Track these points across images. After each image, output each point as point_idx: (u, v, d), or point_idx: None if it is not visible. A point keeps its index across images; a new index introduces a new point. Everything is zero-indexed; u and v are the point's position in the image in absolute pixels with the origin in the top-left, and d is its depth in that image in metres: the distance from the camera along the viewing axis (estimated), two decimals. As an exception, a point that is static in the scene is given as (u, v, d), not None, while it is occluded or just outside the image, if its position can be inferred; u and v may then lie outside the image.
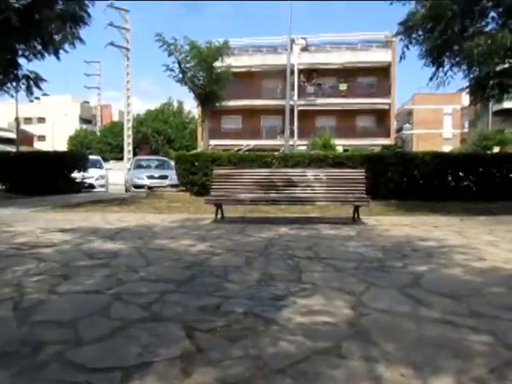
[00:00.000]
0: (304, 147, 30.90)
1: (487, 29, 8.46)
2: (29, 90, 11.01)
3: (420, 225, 6.44)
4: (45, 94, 15.57)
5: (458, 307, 2.66)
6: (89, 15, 10.23)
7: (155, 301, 2.75)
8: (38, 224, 6.30)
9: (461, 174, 11.03)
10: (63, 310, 2.62)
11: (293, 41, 30.83)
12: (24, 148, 28.96)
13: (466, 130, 46.50)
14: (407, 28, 8.63)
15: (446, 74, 9.14)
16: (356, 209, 6.82)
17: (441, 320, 2.44)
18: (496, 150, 26.73)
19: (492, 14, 8.60)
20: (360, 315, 2.51)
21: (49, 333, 2.25)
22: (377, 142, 32.26)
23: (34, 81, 10.91)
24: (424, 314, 2.55)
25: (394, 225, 6.43)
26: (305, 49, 36.88)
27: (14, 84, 10.95)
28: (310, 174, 7.24)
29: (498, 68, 9.02)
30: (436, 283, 3.20)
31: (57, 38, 10.27)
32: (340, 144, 31.19)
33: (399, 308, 2.64)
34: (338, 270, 3.60)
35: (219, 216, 6.96)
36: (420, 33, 8.70)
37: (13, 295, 2.87)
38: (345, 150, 22.88)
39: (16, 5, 9.79)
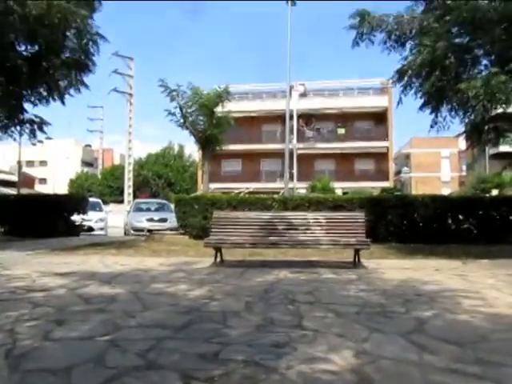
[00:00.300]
0: (303, 190, 31.04)
1: (479, 76, 8.71)
2: (32, 134, 11.19)
3: (422, 268, 6.37)
4: (48, 138, 15.79)
5: (463, 354, 2.59)
6: (94, 63, 10.55)
7: (151, 348, 2.67)
8: (35, 267, 6.22)
9: (460, 216, 11.02)
10: (57, 357, 2.54)
11: (292, 87, 31.70)
12: (25, 191, 29.10)
13: (463, 173, 46.90)
14: (403, 75, 8.89)
15: (444, 119, 9.33)
16: (357, 252, 6.76)
17: (446, 368, 2.36)
18: (495, 192, 26.84)
19: (484, 61, 8.90)
20: (363, 363, 2.44)
21: (41, 382, 2.17)
22: (376, 185, 32.47)
23: (39, 125, 11.11)
24: (429, 361, 2.47)
25: (395, 268, 6.35)
26: (303, 95, 37.84)
27: (19, 128, 11.14)
28: (310, 217, 7.23)
29: (493, 113, 9.22)
30: (440, 329, 3.13)
31: (62, 84, 10.55)
32: (339, 187, 31.38)
33: (403, 355, 2.56)
34: (340, 316, 3.52)
35: (218, 259, 6.89)
36: (414, 80, 8.96)
37: (5, 341, 2.80)
38: (344, 193, 22.96)
39: (25, 53, 10.13)
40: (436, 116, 9.25)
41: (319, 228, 6.94)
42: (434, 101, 8.87)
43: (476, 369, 2.35)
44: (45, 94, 10.62)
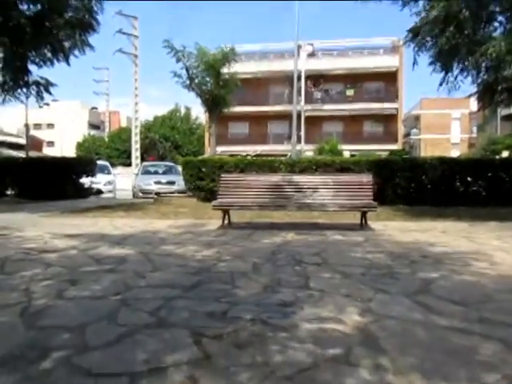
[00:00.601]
0: (311, 153, 30.87)
1: (495, 34, 8.42)
2: (39, 96, 11.11)
3: (428, 230, 6.39)
4: (54, 100, 15.74)
5: (468, 314, 2.63)
6: (98, 22, 10.33)
7: (162, 307, 2.74)
8: (46, 229, 6.33)
9: (469, 179, 10.94)
10: (71, 315, 2.62)
11: (299, 47, 30.89)
12: (33, 154, 29.23)
13: (474, 135, 46.22)
14: (416, 34, 8.61)
15: (455, 79, 9.10)
16: (364, 214, 6.79)
17: (451, 327, 2.41)
18: (505, 154, 26.50)
19: (500, 18, 8.58)
20: (369, 322, 2.49)
21: (56, 338, 2.25)
22: (384, 148, 32.16)
23: (45, 86, 11.01)
24: (434, 321, 2.51)
25: (402, 230, 6.38)
26: (312, 55, 36.95)
27: (25, 90, 11.05)
28: (318, 179, 7.23)
29: (506, 73, 8.97)
30: (446, 290, 3.17)
31: (66, 44, 10.37)
32: (347, 149, 31.14)
33: (409, 315, 2.60)
34: (346, 277, 3.57)
35: (226, 222, 6.95)
36: (428, 39, 8.68)
37: (20, 300, 2.88)
38: (352, 156, 22.81)
39: (27, 12, 9.92)
40: (446, 74, 9.02)
41: (326, 190, 6.94)
42: (446, 58, 8.62)
43: (481, 328, 2.39)
44: (49, 54, 10.46)
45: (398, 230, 6.47)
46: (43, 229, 6.37)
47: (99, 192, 16.41)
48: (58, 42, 10.21)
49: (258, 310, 2.66)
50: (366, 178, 7.09)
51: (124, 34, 28.19)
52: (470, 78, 9.29)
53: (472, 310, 2.70)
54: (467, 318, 2.55)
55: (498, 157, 21.09)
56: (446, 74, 8.99)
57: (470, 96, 11.11)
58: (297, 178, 7.73)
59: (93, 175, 14.43)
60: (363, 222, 6.81)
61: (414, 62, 9.12)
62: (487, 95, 9.99)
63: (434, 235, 5.91)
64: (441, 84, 9.22)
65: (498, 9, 8.39)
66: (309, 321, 2.49)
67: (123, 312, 2.66)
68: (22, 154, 27.20)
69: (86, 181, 14.30)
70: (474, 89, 10.21)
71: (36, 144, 43.47)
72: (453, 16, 7.79)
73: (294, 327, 2.39)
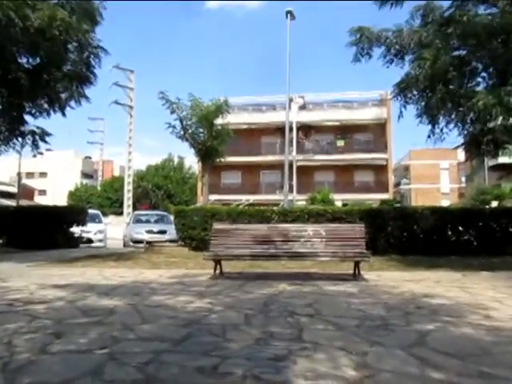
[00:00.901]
0: (303, 202, 31.03)
1: (478, 88, 8.78)
2: (34, 145, 11.20)
3: (422, 280, 6.34)
4: (48, 149, 15.88)
5: (465, 368, 2.56)
6: (95, 75, 10.62)
7: (150, 361, 2.64)
8: (33, 279, 6.18)
9: (460, 228, 11.00)
10: (54, 370, 2.51)
11: (291, 99, 31.87)
12: (24, 202, 29.10)
13: (463, 185, 47.02)
14: (403, 88, 8.96)
15: (441, 131, 9.38)
16: (357, 264, 6.74)
17: (448, 382, 2.33)
18: (494, 204, 26.84)
19: (483, 74, 8.97)
20: (364, 376, 2.41)
21: (37, 396, 2.14)
22: (375, 197, 32.47)
23: (40, 136, 11.13)
24: (431, 375, 2.44)
25: (395, 281, 6.32)
26: (303, 107, 38.05)
27: (20, 139, 11.16)
28: (310, 229, 7.22)
29: (491, 125, 9.27)
30: (442, 342, 3.10)
31: (63, 96, 10.60)
32: (339, 199, 31.36)
33: (405, 369, 2.53)
34: (340, 329, 3.49)
35: (218, 272, 6.86)
36: (415, 93, 9.03)
37: (2, 354, 2.77)
38: (344, 205, 22.96)
39: (26, 65, 10.20)
40: (434, 127, 9.31)
41: (319, 240, 6.92)
42: (432, 112, 8.93)
43: (479, 382, 2.32)
44: (46, 106, 10.67)
45: (392, 280, 6.41)
46: (30, 279, 6.23)
47: (89, 241, 16.21)
48: (55, 94, 10.44)
49: (249, 365, 2.57)
50: (359, 228, 7.10)
51: (120, 86, 29.03)
52: (456, 131, 9.58)
53: (469, 363, 2.64)
54: (464, 372, 2.48)
55: (487, 207, 21.35)
56: (433, 126, 9.28)
57: (456, 147, 11.40)
58: (289, 227, 7.72)
59: (83, 224, 14.31)
60: (356, 272, 6.74)
61: (400, 115, 9.43)
62: (473, 146, 10.25)
63: (428, 286, 5.86)
64: (429, 136, 9.48)
65: (480, 65, 8.80)
66: (303, 376, 2.41)
67: (110, 367, 2.56)
68: (12, 203, 27.05)
69: (76, 230, 14.16)
70: (460, 140, 10.51)
71: (27, 192, 43.33)
72: (439, 74, 8.14)
73: (288, 383, 2.30)
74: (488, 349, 2.94)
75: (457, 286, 5.83)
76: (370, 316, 3.94)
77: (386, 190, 35.58)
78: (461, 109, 8.30)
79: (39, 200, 42.79)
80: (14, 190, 37.30)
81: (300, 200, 32.33)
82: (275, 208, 13.62)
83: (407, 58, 9.20)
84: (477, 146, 10.08)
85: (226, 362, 2.62)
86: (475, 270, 7.45)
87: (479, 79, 8.98)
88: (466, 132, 9.69)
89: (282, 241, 6.96)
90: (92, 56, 10.27)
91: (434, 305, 4.46)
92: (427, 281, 6.31)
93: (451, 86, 8.43)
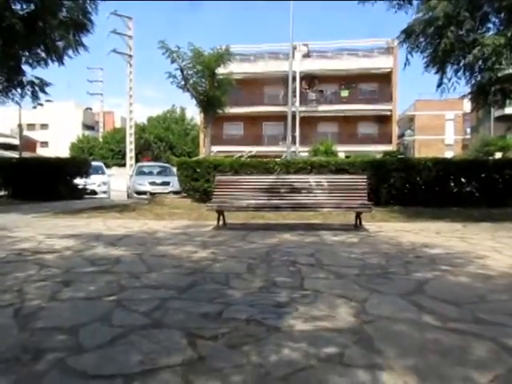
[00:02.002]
0: (306, 154, 30.91)
1: (488, 35, 8.48)
2: (34, 96, 11.04)
3: (423, 231, 6.42)
4: (48, 100, 15.63)
5: (461, 314, 2.64)
6: (92, 23, 10.29)
7: (157, 308, 2.73)
8: (40, 230, 6.30)
9: (463, 180, 11.01)
10: (64, 316, 2.60)
11: (294, 48, 30.97)
12: (27, 154, 29.07)
13: (467, 136, 46.52)
14: (410, 34, 8.66)
15: (449, 80, 9.15)
16: (358, 215, 6.81)
17: (445, 327, 2.42)
18: (498, 155, 26.68)
19: (493, 19, 8.64)
20: (363, 322, 2.49)
21: (49, 340, 2.24)
22: (379, 149, 32.26)
23: (40, 86, 10.94)
24: (428, 321, 2.52)
25: (396, 231, 6.41)
26: (306, 55, 37.02)
27: (19, 90, 10.98)
28: (312, 180, 7.23)
29: (500, 74, 9.03)
30: (440, 290, 3.18)
31: (60, 44, 10.32)
32: (342, 150, 31.20)
33: (402, 315, 2.62)
34: (341, 277, 3.58)
35: (221, 222, 6.95)
36: (421, 39, 8.73)
37: (14, 301, 2.86)
38: (347, 157, 22.86)
39: (20, 12, 9.86)
40: (442, 77, 9.08)
41: (321, 191, 6.95)
42: (440, 60, 8.67)
43: (474, 328, 2.40)
44: (43, 55, 10.41)
45: (393, 230, 6.49)
46: (36, 230, 6.34)
47: (93, 193, 16.35)
48: (51, 42, 10.15)
49: (252, 311, 2.66)
50: (361, 179, 7.11)
51: (118, 34, 28.11)
52: (463, 80, 9.35)
53: (465, 310, 2.72)
54: (460, 318, 2.56)
55: (491, 158, 21.23)
56: (442, 76, 9.04)
57: (463, 97, 11.16)
58: (292, 178, 7.74)
59: (87, 176, 14.38)
60: (358, 222, 6.83)
61: (406, 63, 9.17)
62: (481, 96, 10.04)
63: (428, 236, 5.94)
64: (439, 86, 9.25)
65: (491, 10, 8.45)
66: (303, 322, 2.49)
67: (117, 313, 2.65)
68: (15, 155, 27.04)
69: (80, 181, 14.24)
70: (467, 90, 10.28)
71: (30, 144, 43.23)
72: (448, 17, 7.84)
73: (289, 328, 2.39)
74: (484, 296, 3.02)
75: (457, 236, 5.91)
76: (370, 265, 4.03)
77: (389, 142, 35.29)
78: (470, 56, 8.05)
79: (41, 152, 42.71)
80: (15, 141, 37.18)
81: (303, 151, 32.17)
82: (278, 159, 13.58)
83: (415, 2, 8.83)
84: (484, 95, 9.87)
85: (230, 309, 2.71)
86: (476, 221, 7.52)
87: (490, 25, 8.66)
88: (473, 81, 9.46)
89: (285, 192, 7.00)
90: (88, 2, 9.90)
91: (433, 254, 4.54)
92: (427, 231, 6.39)
93: (460, 32, 8.14)
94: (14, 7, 9.76)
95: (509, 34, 7.30)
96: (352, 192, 6.87)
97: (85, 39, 10.46)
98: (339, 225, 7.14)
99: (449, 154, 37.76)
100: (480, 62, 7.99)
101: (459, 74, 9.03)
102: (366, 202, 6.68)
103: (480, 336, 2.28)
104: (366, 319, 2.54)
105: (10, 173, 13.08)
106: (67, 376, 1.86)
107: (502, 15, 8.37)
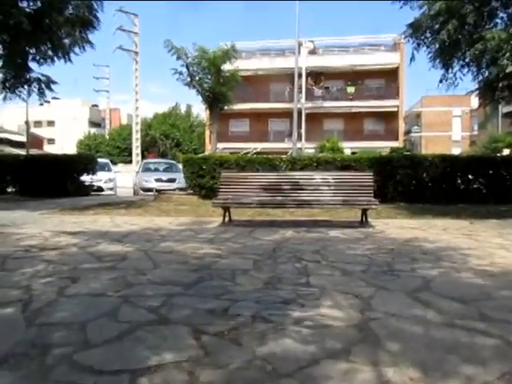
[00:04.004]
0: (312, 150, 30.83)
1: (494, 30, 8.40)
2: (41, 93, 11.10)
3: (429, 228, 6.39)
4: (55, 98, 15.73)
5: (468, 311, 2.63)
6: (98, 20, 10.33)
7: (163, 304, 2.75)
8: (47, 226, 6.34)
9: (470, 176, 10.93)
10: (72, 312, 2.62)
11: (300, 44, 30.86)
12: (34, 151, 29.25)
13: (475, 133, 46.12)
14: (416, 29, 8.60)
15: (455, 76, 9.09)
16: (364, 212, 6.79)
17: (451, 324, 2.41)
18: (506, 152, 26.46)
19: (501, 15, 8.55)
20: (369, 319, 2.49)
21: (57, 335, 2.25)
22: (385, 145, 32.10)
23: (46, 83, 11.00)
24: (434, 318, 2.52)
25: (402, 228, 6.39)
26: (312, 52, 36.85)
27: (26, 87, 11.04)
28: (318, 177, 7.22)
29: (508, 70, 8.94)
30: (446, 287, 3.17)
31: (66, 41, 10.37)
32: (348, 147, 31.10)
33: (408, 312, 2.61)
34: (347, 274, 3.57)
35: (227, 219, 6.96)
36: (428, 35, 8.67)
37: (22, 297, 2.89)
38: (353, 153, 22.79)
39: (27, 10, 9.90)
40: (447, 71, 9.01)
41: (327, 188, 6.94)
42: (446, 54, 8.60)
43: (481, 325, 2.39)
44: (49, 52, 10.46)
45: (399, 227, 6.47)
46: (43, 226, 6.38)
47: (100, 190, 16.43)
48: (57, 40, 10.20)
49: (258, 307, 2.66)
50: (367, 176, 7.09)
51: (124, 31, 28.20)
52: (470, 75, 9.28)
53: (471, 307, 2.71)
54: (467, 315, 2.55)
55: (499, 154, 21.05)
56: (447, 70, 8.98)
57: (470, 93, 11.07)
58: (297, 175, 7.73)
59: (93, 173, 14.44)
60: (364, 219, 6.81)
61: (412, 58, 9.11)
62: (488, 92, 9.96)
63: (435, 233, 5.91)
64: (441, 81, 9.21)
65: (498, 4, 8.37)
66: (309, 318, 2.50)
67: (124, 309, 2.67)
68: (22, 152, 27.21)
69: (86, 178, 14.30)
70: (474, 85, 10.21)
71: (37, 141, 43.46)
72: (455, 10, 7.77)
73: (295, 325, 2.39)
74: (491, 293, 3.01)
75: (463, 233, 5.88)
76: (376, 262, 4.02)
77: (396, 138, 35.09)
78: (476, 52, 7.99)
79: (48, 149, 42.95)
80: (23, 138, 37.40)
81: (309, 148, 32.11)
82: (284, 156, 13.56)
83: None
84: (492, 91, 9.79)
85: (236, 305, 2.72)
86: (483, 218, 7.48)
87: (498, 20, 8.58)
88: (480, 77, 9.38)
89: (291, 189, 6.99)
90: (94, -1, 9.93)
91: (439, 251, 4.52)
92: (434, 228, 6.36)
93: (467, 26, 8.08)
94: (20, 5, 9.80)
95: (511, 31, 7.23)
96: (358, 189, 6.85)
97: (91, 36, 10.52)
98: (345, 222, 7.12)
99: (456, 151, 37.53)
100: (487, 57, 7.91)
101: (465, 69, 8.97)
102: (371, 198, 6.66)
103: (486, 333, 2.27)
104: (372, 316, 2.54)
105: (18, 170, 13.17)
106: (74, 371, 1.88)
107: (511, 10, 8.29)
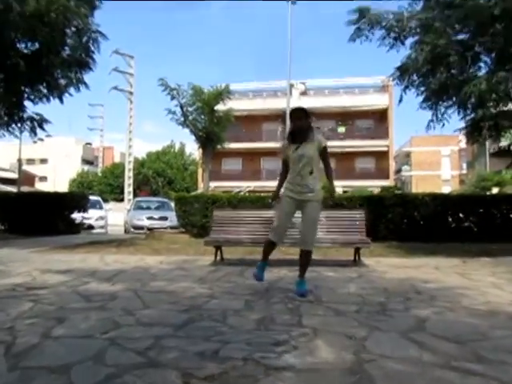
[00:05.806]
0: (304, 189, 30.96)
1: (480, 74, 8.71)
2: (33, 132, 11.18)
3: (422, 266, 6.36)
4: (48, 136, 15.85)
5: (463, 352, 2.58)
6: (94, 61, 10.55)
7: (151, 346, 2.67)
8: (35, 265, 6.22)
9: (461, 215, 11.00)
10: (56, 355, 2.53)
11: (292, 85, 31.65)
12: (25, 188, 29.08)
13: (464, 172, 46.88)
14: (403, 72, 8.88)
15: (442, 116, 9.33)
16: (357, 251, 6.76)
17: (446, 366, 2.36)
18: (495, 190, 26.81)
19: (485, 58, 8.89)
20: (363, 361, 2.43)
21: (40, 379, 2.16)
22: (376, 184, 32.46)
23: (39, 122, 11.10)
24: (429, 359, 2.46)
25: (395, 267, 6.35)
26: (304, 93, 37.85)
27: (19, 125, 11.13)
28: (310, 215, 7.19)
29: (494, 111, 9.21)
30: (440, 327, 3.12)
31: (62, 82, 10.54)
32: (339, 185, 31.34)
33: (403, 353, 2.55)
34: (340, 314, 3.51)
35: (218, 258, 6.89)
36: (415, 77, 8.95)
37: (4, 339, 2.79)
38: (344, 192, 22.96)
39: (25, 51, 10.12)
40: (435, 113, 9.26)
41: (319, 226, 6.91)
42: (434, 97, 8.87)
43: (477, 366, 2.34)
44: (45, 91, 10.61)
45: (392, 266, 6.44)
46: (32, 265, 6.26)
47: (90, 227, 16.28)
48: (53, 80, 10.37)
49: (250, 349, 2.59)
50: (359, 214, 7.10)
51: (120, 72, 28.79)
52: (457, 115, 9.54)
53: (467, 347, 2.66)
54: (463, 357, 2.50)
55: (488, 193, 21.33)
56: (435, 112, 9.22)
57: (458, 131, 11.30)
58: (289, 213, 7.70)
59: (85, 211, 14.35)
60: (356, 258, 6.77)
61: (400, 99, 9.37)
62: (474, 132, 10.21)
63: (428, 272, 5.88)
64: (428, 125, 9.45)
65: (482, 49, 8.71)
66: (302, 361, 2.43)
67: (111, 352, 2.58)
68: (13, 189, 27.07)
69: (77, 216, 14.20)
70: (461, 124, 10.47)
71: (28, 179, 43.32)
72: (440, 57, 8.07)
73: (287, 368, 2.33)
74: (486, 333, 2.96)
75: (456, 271, 5.85)
76: (370, 301, 3.96)
77: (386, 177, 35.58)
78: (462, 95, 8.25)
79: (40, 186, 42.82)
80: (14, 176, 37.29)
81: (301, 187, 32.24)
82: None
83: (408, 42, 9.12)
84: (478, 131, 10.04)
85: (227, 347, 2.65)
86: (475, 257, 7.47)
87: (481, 64, 8.90)
88: (467, 118, 9.64)
89: (283, 227, 6.94)
90: (91, 41, 10.18)
91: (433, 290, 4.48)
92: (427, 267, 6.34)
93: (453, 71, 8.37)
94: (18, 45, 10.02)
95: (493, 81, 7.51)
96: (350, 227, 6.85)
97: (86, 76, 10.71)
98: (338, 260, 7.07)
99: (446, 189, 38.00)
100: (472, 100, 8.17)
101: (452, 111, 9.23)
102: (364, 237, 6.65)
103: (483, 375, 2.22)
104: (366, 358, 2.48)
105: (8, 207, 13.05)
106: (57, 418, 1.79)
107: (493, 55, 8.63)
